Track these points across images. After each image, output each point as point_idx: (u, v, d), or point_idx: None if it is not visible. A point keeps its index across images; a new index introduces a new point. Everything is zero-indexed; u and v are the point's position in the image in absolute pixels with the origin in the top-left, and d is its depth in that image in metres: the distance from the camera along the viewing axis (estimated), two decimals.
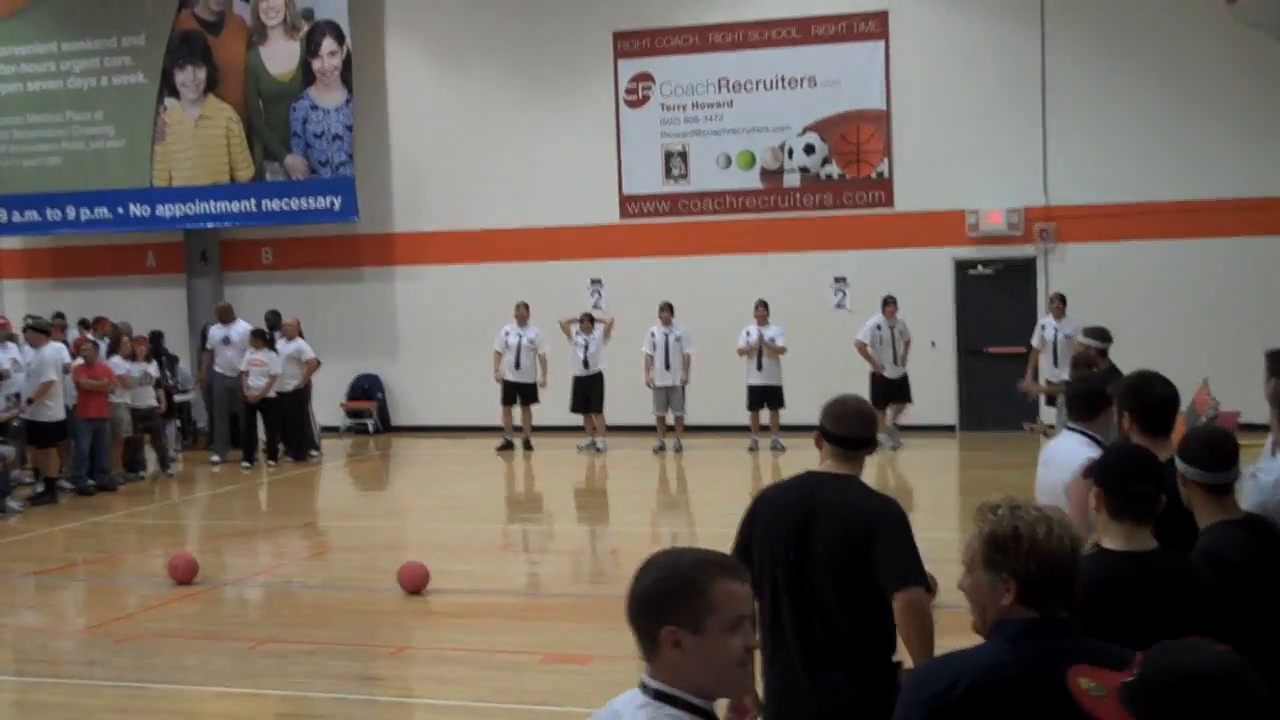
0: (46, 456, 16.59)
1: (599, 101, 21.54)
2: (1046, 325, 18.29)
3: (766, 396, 19.04)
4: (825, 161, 20.79)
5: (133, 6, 22.68)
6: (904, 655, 4.59)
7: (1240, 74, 18.97)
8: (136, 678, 8.84)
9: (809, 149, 20.83)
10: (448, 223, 22.17)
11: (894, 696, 4.42)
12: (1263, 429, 5.75)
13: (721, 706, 2.81)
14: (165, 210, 22.79)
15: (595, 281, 21.53)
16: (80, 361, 17.07)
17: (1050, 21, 19.71)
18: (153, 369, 18.62)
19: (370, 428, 22.55)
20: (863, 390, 17.27)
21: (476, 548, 13.49)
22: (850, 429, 4.78)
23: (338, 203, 22.05)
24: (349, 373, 22.53)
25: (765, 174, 21.05)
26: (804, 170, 20.89)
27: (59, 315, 20.44)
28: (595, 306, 20.90)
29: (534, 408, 20.04)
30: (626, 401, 19.75)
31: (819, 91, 20.73)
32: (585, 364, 19.58)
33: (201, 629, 10.18)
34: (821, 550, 4.58)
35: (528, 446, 19.95)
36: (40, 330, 16.92)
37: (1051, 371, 17.65)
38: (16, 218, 23.54)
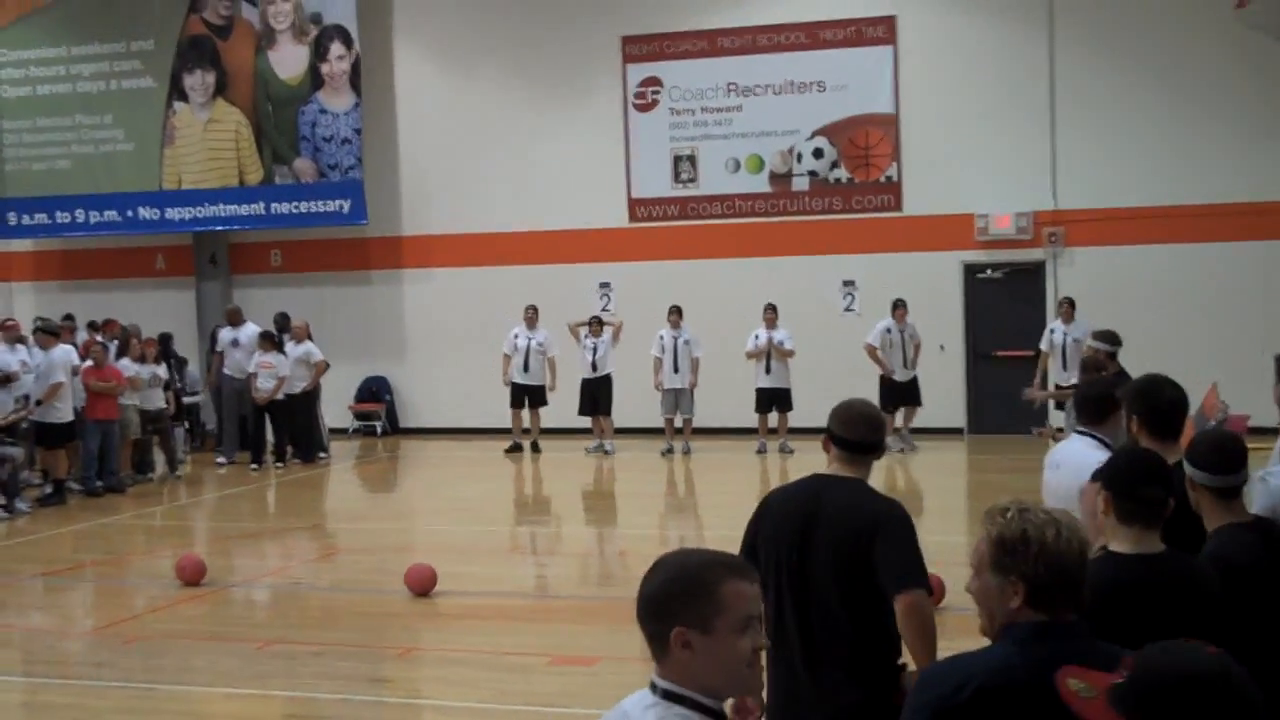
0: (55, 458, 16.62)
1: (608, 105, 21.55)
2: (1055, 329, 18.29)
3: (775, 399, 19.05)
4: (834, 165, 20.79)
5: (142, 11, 22.73)
6: (909, 658, 4.59)
7: (1248, 78, 18.94)
8: (144, 679, 8.86)
9: (818, 153, 20.83)
10: (456, 226, 22.18)
11: (898, 699, 4.44)
12: (1272, 432, 5.75)
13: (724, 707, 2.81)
14: (174, 213, 22.83)
15: (604, 285, 21.53)
16: (89, 363, 17.10)
17: (1058, 26, 19.70)
18: (162, 371, 18.66)
19: (378, 430, 22.56)
20: (872, 393, 17.28)
21: (484, 550, 13.49)
22: (857, 432, 4.78)
23: (346, 206, 22.07)
24: (357, 375, 22.55)
25: (774, 178, 21.04)
26: (813, 174, 20.89)
27: (68, 317, 20.49)
28: (604, 309, 20.90)
29: (542, 410, 20.06)
30: (635, 404, 19.76)
31: (827, 96, 20.73)
32: (594, 367, 19.58)
33: (209, 630, 10.19)
34: (824, 552, 4.59)
35: (536, 449, 19.95)
36: (49, 332, 16.95)
37: (1060, 375, 17.66)
38: (26, 220, 23.59)
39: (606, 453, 19.50)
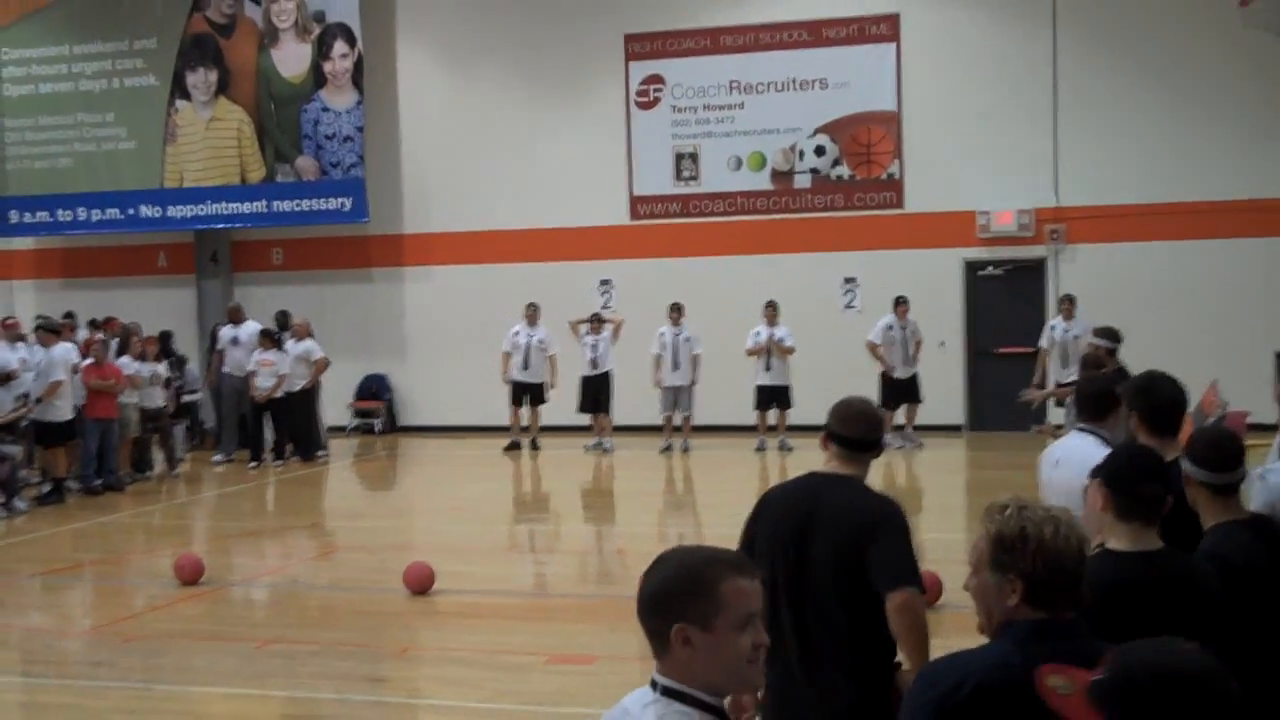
0: (54, 456, 16.61)
1: (610, 103, 21.54)
2: (1056, 326, 18.32)
3: (775, 397, 19.04)
4: (836, 163, 20.78)
5: (144, 9, 22.72)
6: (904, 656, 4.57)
7: (1249, 76, 18.94)
8: (143, 678, 8.84)
9: (820, 150, 20.82)
10: (457, 224, 22.18)
11: (894, 698, 4.42)
12: (1271, 429, 5.73)
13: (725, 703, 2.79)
14: (176, 211, 22.83)
15: (605, 282, 21.53)
16: (90, 361, 17.08)
17: (1061, 24, 19.68)
18: (163, 369, 18.66)
19: (377, 428, 22.55)
20: (872, 391, 17.27)
21: (483, 548, 13.47)
22: (856, 430, 4.77)
23: (348, 204, 22.07)
24: (357, 373, 22.54)
25: (776, 175, 21.03)
26: (814, 171, 20.87)
27: (69, 315, 20.49)
28: (604, 307, 20.89)
29: (541, 408, 20.05)
30: (634, 402, 19.75)
31: (830, 93, 20.72)
32: (593, 364, 19.56)
33: (208, 629, 10.17)
34: (820, 551, 4.58)
35: (535, 447, 19.94)
36: (50, 330, 16.94)
37: (1060, 372, 17.67)
38: (28, 218, 23.59)
39: (605, 450, 19.48)
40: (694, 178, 21.37)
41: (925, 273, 19.98)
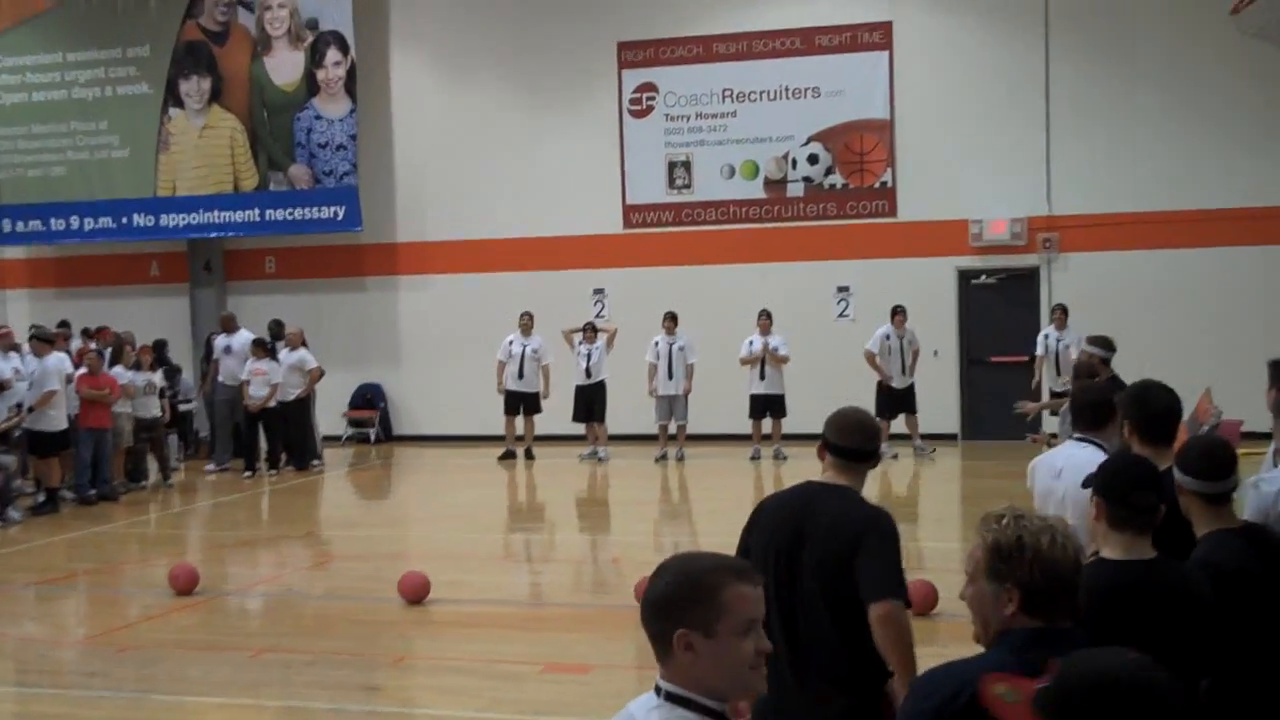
0: (48, 466, 16.58)
1: (603, 111, 21.56)
2: (1049, 335, 18.38)
3: (769, 405, 19.04)
4: (829, 171, 20.80)
5: (138, 17, 22.71)
6: None
7: (1243, 83, 18.98)
8: (138, 688, 8.83)
9: (812, 159, 20.84)
10: (451, 232, 22.19)
11: (885, 706, 4.43)
12: (1265, 437, 5.73)
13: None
14: (169, 220, 22.81)
15: (598, 291, 21.54)
16: (84, 371, 17.07)
17: (1053, 31, 19.72)
18: (157, 378, 18.63)
19: (372, 437, 22.54)
20: (867, 400, 17.28)
21: (478, 557, 13.46)
22: (852, 440, 4.77)
23: (341, 212, 22.06)
24: (351, 382, 22.53)
25: (769, 184, 21.06)
26: (807, 180, 20.90)
27: (64, 324, 20.48)
28: (598, 316, 20.91)
29: (536, 417, 20.05)
30: (629, 411, 19.75)
31: (823, 101, 20.75)
32: (588, 373, 19.56)
33: (203, 639, 10.16)
34: (811, 560, 4.59)
35: (529, 456, 19.94)
36: (44, 340, 16.91)
37: (1054, 381, 17.75)
38: (21, 227, 23.56)
39: (600, 459, 19.48)
40: (687, 186, 21.39)
41: (918, 281, 19.99)
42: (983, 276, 20.39)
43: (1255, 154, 19.04)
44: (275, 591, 12.15)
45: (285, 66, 22.34)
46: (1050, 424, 17.41)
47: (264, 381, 19.15)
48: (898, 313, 18.93)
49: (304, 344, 19.82)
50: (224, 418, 19.97)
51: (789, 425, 18.80)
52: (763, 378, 18.98)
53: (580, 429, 19.84)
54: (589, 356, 19.55)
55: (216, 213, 22.61)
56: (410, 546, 14.43)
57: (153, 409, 18.28)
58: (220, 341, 20.10)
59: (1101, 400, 5.82)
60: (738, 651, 2.64)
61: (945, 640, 7.62)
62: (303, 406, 19.61)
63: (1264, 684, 4.24)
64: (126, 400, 17.62)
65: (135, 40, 22.85)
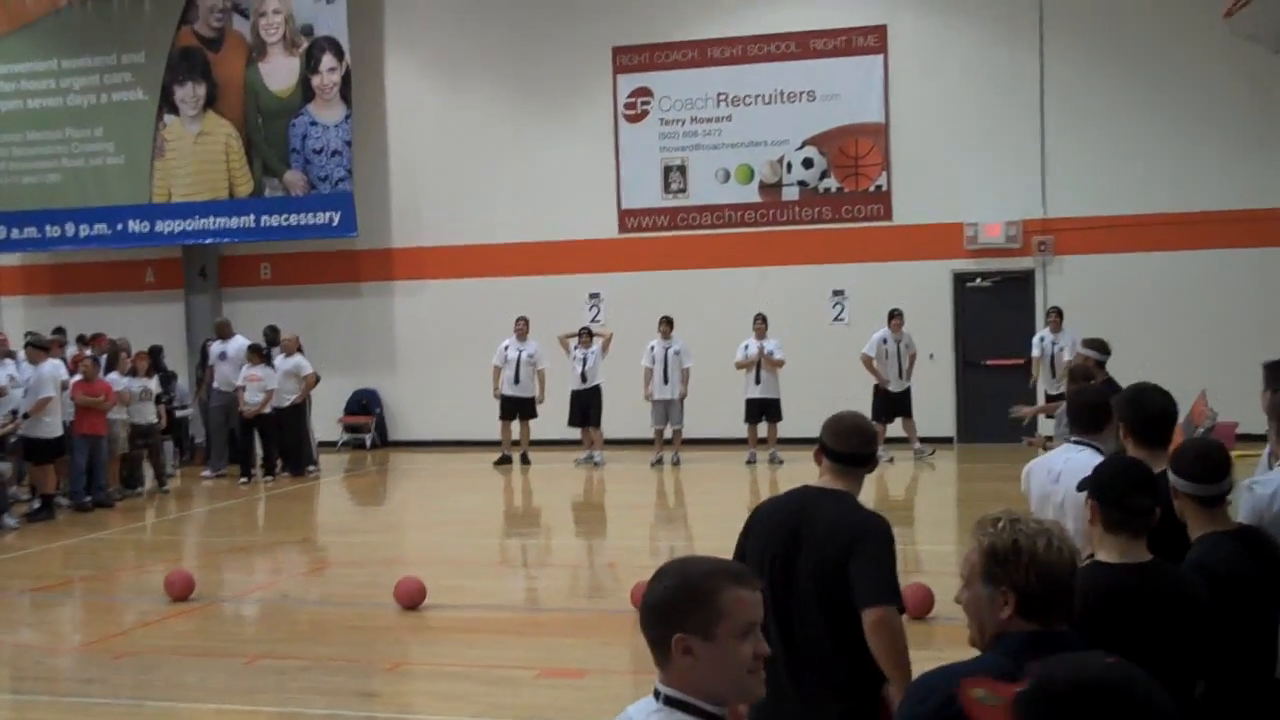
0: (44, 473, 16.56)
1: (598, 116, 21.57)
2: (1045, 338, 18.40)
3: (765, 409, 19.04)
4: (824, 175, 20.82)
5: (132, 24, 22.71)
6: None
7: (1236, 86, 19.03)
8: (134, 695, 8.81)
9: (807, 163, 20.86)
10: (446, 237, 22.19)
11: (882, 710, 4.42)
12: (1261, 439, 5.73)
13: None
14: (164, 226, 22.80)
15: (594, 295, 21.55)
16: (79, 377, 17.06)
17: (1048, 35, 19.76)
18: (153, 384, 18.63)
19: (368, 442, 22.54)
20: (863, 403, 17.28)
21: (474, 562, 13.45)
22: (849, 445, 4.76)
23: (336, 218, 22.06)
24: (347, 388, 22.53)
25: (764, 188, 21.07)
26: (802, 184, 20.91)
27: (59, 330, 20.46)
28: (594, 320, 20.91)
29: (531, 422, 20.05)
30: (625, 415, 19.74)
31: (817, 105, 20.77)
32: (583, 378, 19.56)
33: (199, 645, 10.14)
34: (806, 564, 4.58)
35: (525, 461, 19.93)
36: (39, 347, 16.90)
37: (1049, 384, 17.76)
38: (16, 234, 23.55)
39: (596, 464, 19.48)
40: (682, 190, 21.40)
41: (914, 285, 20.00)
42: (978, 279, 20.41)
43: (1250, 156, 19.08)
44: (271, 597, 12.13)
45: (280, 72, 22.34)
46: (1046, 427, 17.43)
47: (259, 388, 19.14)
48: (894, 316, 18.92)
49: (300, 350, 19.82)
50: (219, 424, 19.97)
51: (785, 429, 18.80)
52: (758, 382, 18.97)
53: (576, 434, 19.84)
54: (584, 361, 19.56)
55: (212, 219, 22.61)
56: (406, 552, 14.43)
57: (149, 415, 18.27)
58: (215, 348, 20.12)
59: (1098, 403, 5.81)
60: (736, 655, 2.63)
61: (941, 644, 7.62)
62: (298, 412, 19.61)
63: (1258, 687, 4.24)
64: (121, 407, 17.62)
65: (130, 47, 22.86)
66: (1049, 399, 17.03)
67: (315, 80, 22.10)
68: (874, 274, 20.35)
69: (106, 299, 23.47)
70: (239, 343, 19.88)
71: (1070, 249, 19.82)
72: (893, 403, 18.77)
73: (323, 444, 21.07)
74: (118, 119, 22.96)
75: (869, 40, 20.60)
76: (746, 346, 19.09)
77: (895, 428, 18.96)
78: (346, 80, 21.99)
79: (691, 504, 17.30)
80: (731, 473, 18.57)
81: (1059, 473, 5.66)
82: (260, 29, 22.34)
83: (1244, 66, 18.78)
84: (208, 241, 22.87)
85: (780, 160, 20.96)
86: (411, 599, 10.79)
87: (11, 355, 17.24)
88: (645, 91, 21.47)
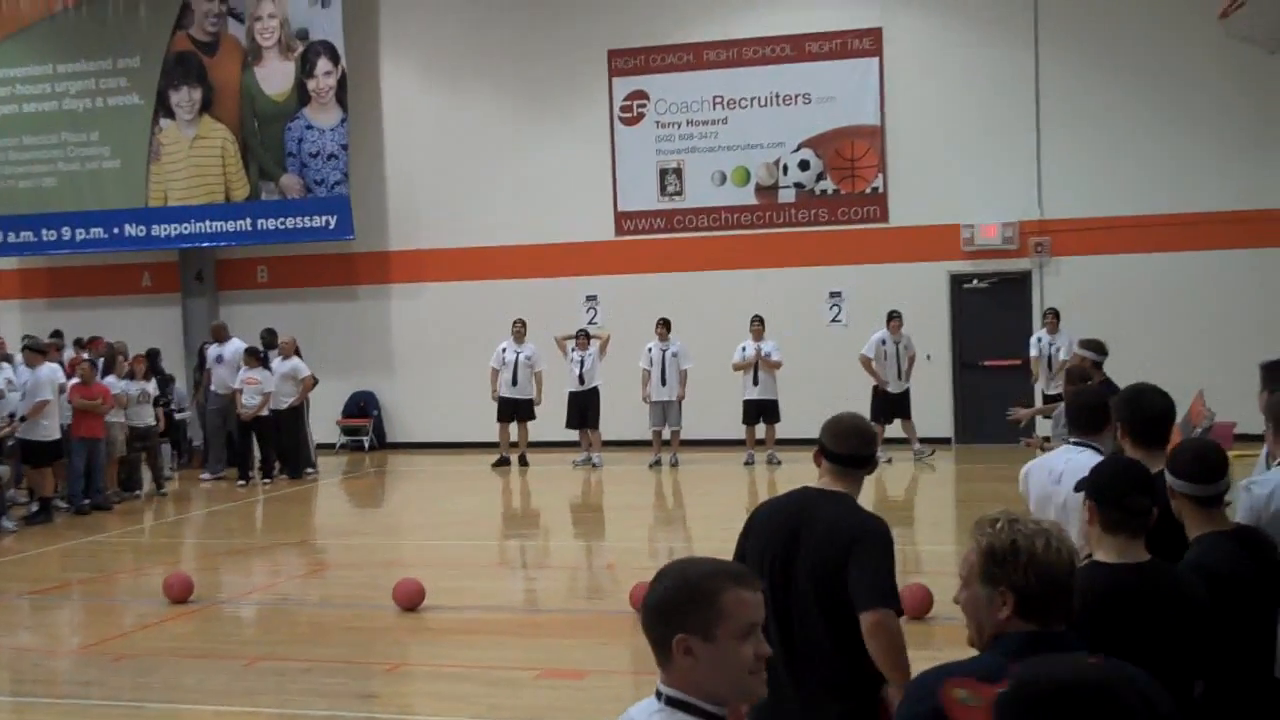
0: (41, 476, 16.57)
1: (594, 119, 21.58)
2: (1042, 339, 18.43)
3: (762, 411, 19.06)
4: (820, 177, 20.83)
5: (128, 28, 22.69)
6: None
7: (1232, 87, 19.05)
8: (133, 697, 8.82)
9: (804, 165, 20.87)
10: (443, 240, 22.19)
11: (882, 711, 4.43)
12: (1259, 439, 5.75)
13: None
14: (161, 230, 22.80)
15: (591, 298, 21.55)
16: (77, 381, 17.07)
17: (1043, 36, 19.78)
18: (151, 387, 18.63)
19: (366, 444, 22.54)
20: (860, 404, 17.29)
21: (472, 564, 13.47)
22: (849, 446, 4.76)
23: (333, 221, 22.06)
24: (345, 390, 22.53)
25: (760, 190, 21.08)
26: (799, 186, 20.93)
27: (56, 334, 20.46)
28: (591, 323, 20.92)
29: (530, 424, 20.06)
30: (623, 417, 19.75)
31: (813, 108, 20.78)
32: (581, 380, 19.58)
33: (198, 647, 10.15)
34: (805, 566, 4.58)
35: (523, 463, 19.94)
36: (37, 350, 16.91)
37: (1047, 385, 17.78)
38: (12, 238, 23.54)
39: (594, 466, 19.49)
40: (678, 193, 21.41)
41: (911, 286, 20.01)
42: (975, 281, 20.43)
43: (1245, 157, 19.11)
44: (270, 600, 12.14)
45: (276, 76, 22.35)
46: (1043, 427, 17.45)
47: (256, 390, 19.15)
48: (893, 318, 18.92)
49: (297, 353, 19.83)
50: (216, 427, 19.98)
51: (782, 430, 18.83)
52: (756, 383, 18.99)
53: (574, 435, 19.85)
54: (582, 363, 19.57)
55: (208, 223, 22.61)
56: (405, 554, 14.43)
57: (147, 418, 18.28)
58: (212, 351, 20.15)
59: (1098, 404, 5.82)
60: (737, 656, 2.64)
61: (940, 644, 7.63)
62: (296, 415, 19.62)
63: (1257, 686, 4.25)
64: (119, 410, 17.63)
65: (125, 51, 22.85)
66: (1046, 400, 17.07)
67: (311, 84, 22.11)
68: (871, 276, 20.36)
69: (103, 302, 23.47)
70: (235, 346, 19.89)
71: (1067, 250, 19.84)
72: (892, 404, 18.78)
73: (321, 446, 21.07)
74: (113, 123, 22.96)
75: (864, 43, 20.62)
76: (744, 348, 19.10)
77: (894, 429, 18.97)
78: (342, 84, 22.00)
79: (690, 505, 17.31)
80: (729, 474, 18.59)
81: (1060, 474, 5.65)
82: (255, 33, 22.35)
83: (1239, 67, 18.80)
84: (204, 245, 22.87)
85: (776, 162, 20.97)
86: (410, 600, 10.80)
87: (9, 359, 17.25)
88: (641, 94, 21.48)
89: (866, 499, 4.83)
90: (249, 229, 22.48)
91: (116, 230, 22.95)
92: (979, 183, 20.00)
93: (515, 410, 19.95)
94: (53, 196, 23.22)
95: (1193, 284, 19.29)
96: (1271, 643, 4.26)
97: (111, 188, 22.97)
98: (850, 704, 4.56)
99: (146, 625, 10.93)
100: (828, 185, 20.81)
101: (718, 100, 21.14)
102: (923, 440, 19.13)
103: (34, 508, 16.62)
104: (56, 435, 16.52)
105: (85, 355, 18.64)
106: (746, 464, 18.91)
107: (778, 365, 18.97)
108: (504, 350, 19.95)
